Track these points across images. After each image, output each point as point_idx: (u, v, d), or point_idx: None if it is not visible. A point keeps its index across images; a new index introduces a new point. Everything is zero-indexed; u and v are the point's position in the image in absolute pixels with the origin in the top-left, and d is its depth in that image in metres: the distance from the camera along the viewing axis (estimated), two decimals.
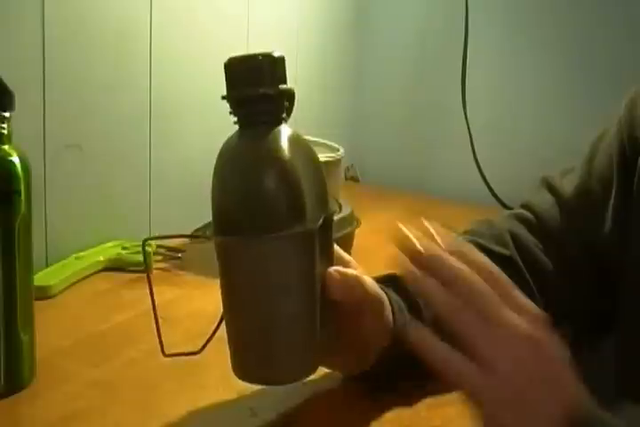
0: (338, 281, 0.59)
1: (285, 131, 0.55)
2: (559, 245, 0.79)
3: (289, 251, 0.54)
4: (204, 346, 0.59)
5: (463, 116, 1.33)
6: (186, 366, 0.71)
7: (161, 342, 0.57)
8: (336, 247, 0.62)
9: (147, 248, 0.96)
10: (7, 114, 0.62)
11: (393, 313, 0.67)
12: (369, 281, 0.64)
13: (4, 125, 0.62)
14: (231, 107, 0.55)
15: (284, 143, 0.54)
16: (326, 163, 1.01)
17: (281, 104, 0.55)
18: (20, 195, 0.63)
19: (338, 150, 1.08)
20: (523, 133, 1.40)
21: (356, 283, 0.61)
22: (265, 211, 0.53)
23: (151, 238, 0.61)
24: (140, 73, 1.02)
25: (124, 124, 1.01)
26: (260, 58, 0.54)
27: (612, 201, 0.76)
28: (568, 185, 0.81)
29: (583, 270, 0.78)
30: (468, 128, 1.34)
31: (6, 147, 0.62)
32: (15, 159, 0.63)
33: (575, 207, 0.80)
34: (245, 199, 0.54)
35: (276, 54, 0.55)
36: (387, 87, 1.53)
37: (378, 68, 1.54)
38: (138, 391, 0.67)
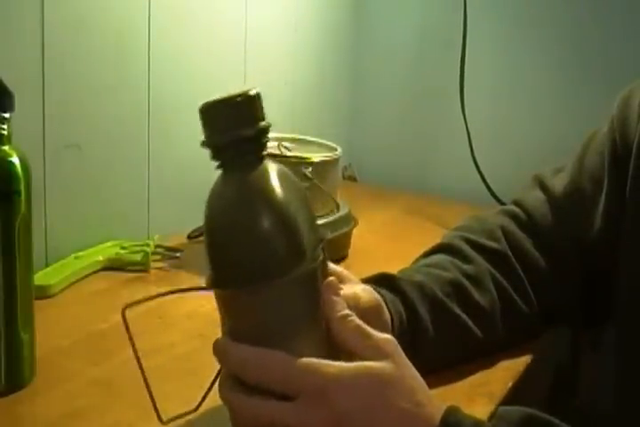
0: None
1: (271, 167, 0.53)
2: (549, 242, 0.80)
3: (294, 294, 0.52)
4: (200, 403, 0.58)
5: (461, 114, 1.34)
6: (185, 365, 0.71)
7: (156, 409, 0.55)
8: (334, 266, 0.60)
9: (145, 248, 0.97)
10: (7, 115, 0.62)
11: (391, 315, 0.67)
12: (364, 297, 0.63)
13: (4, 126, 0.62)
14: (212, 152, 0.54)
15: (275, 182, 0.52)
16: (324, 162, 1.02)
17: (263, 142, 0.53)
18: (19, 195, 0.63)
19: (335, 150, 1.09)
20: (521, 132, 1.41)
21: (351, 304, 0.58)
22: (269, 257, 0.51)
23: (131, 304, 0.59)
24: (139, 73, 1.03)
25: (123, 124, 1.01)
26: (238, 99, 0.52)
27: (602, 200, 0.77)
28: (559, 183, 0.82)
29: (573, 268, 0.79)
30: (467, 127, 1.34)
31: (6, 147, 0.63)
32: (15, 160, 0.63)
33: (565, 205, 0.80)
34: (246, 249, 0.51)
35: (252, 93, 0.52)
36: (384, 86, 1.54)
37: (376, 67, 1.54)
38: (137, 390, 0.67)
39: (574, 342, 1.02)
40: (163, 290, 0.63)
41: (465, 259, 0.77)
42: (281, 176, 0.53)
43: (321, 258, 0.53)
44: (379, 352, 0.51)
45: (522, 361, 0.77)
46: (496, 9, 1.39)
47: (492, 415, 0.56)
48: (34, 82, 0.88)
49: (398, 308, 0.69)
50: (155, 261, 0.98)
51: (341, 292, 0.56)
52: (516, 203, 0.84)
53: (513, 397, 0.71)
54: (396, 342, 0.53)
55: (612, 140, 0.77)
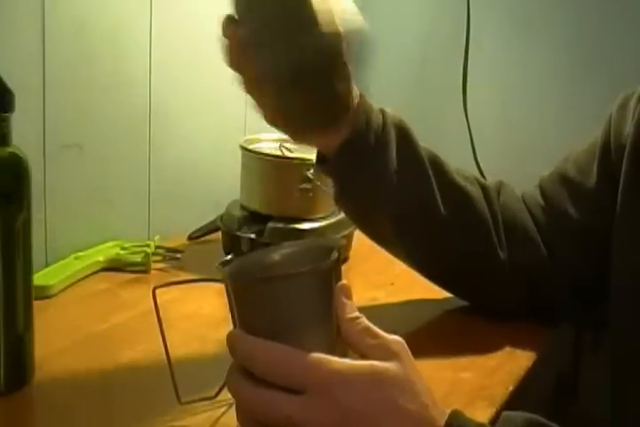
0: None
1: None
2: (538, 223, 0.82)
3: (308, 289, 0.52)
4: (219, 391, 0.58)
5: (464, 117, 1.33)
6: (185, 367, 0.71)
7: (176, 389, 0.56)
8: None
9: (146, 249, 0.97)
10: (7, 114, 0.62)
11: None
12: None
13: (4, 125, 0.62)
14: None
15: None
16: None
17: None
18: (19, 195, 0.63)
19: None
20: (525, 134, 1.40)
21: None
22: None
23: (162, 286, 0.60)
24: (140, 73, 1.02)
25: (123, 124, 1.01)
26: None
27: (589, 192, 0.79)
28: (548, 172, 0.86)
29: (562, 254, 0.80)
30: (469, 130, 1.34)
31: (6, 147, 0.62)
32: (15, 159, 0.63)
33: (550, 188, 0.83)
34: None
35: None
36: (387, 89, 1.53)
37: (377, 68, 1.54)
38: (137, 391, 0.67)
39: (577, 346, 1.02)
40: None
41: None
42: None
43: (336, 257, 0.53)
44: (385, 352, 0.51)
45: (523, 365, 0.77)
46: (500, 8, 1.38)
47: (495, 420, 0.56)
48: (34, 81, 0.87)
49: (375, 116, 0.76)
50: (155, 261, 0.98)
51: None
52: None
53: (514, 401, 0.71)
54: (405, 344, 0.53)
55: (606, 137, 0.78)
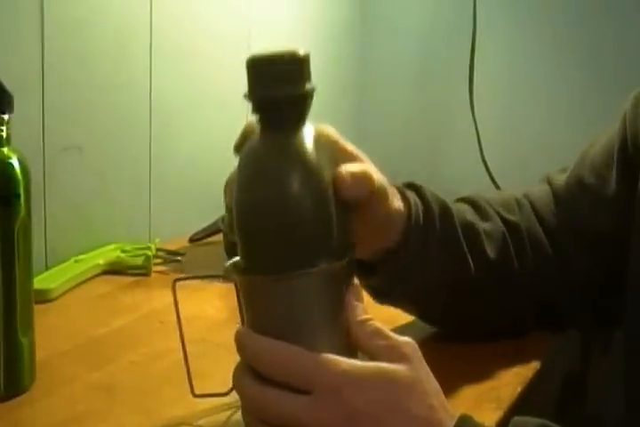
0: (349, 184, 0.55)
1: (309, 131, 0.53)
2: (550, 229, 0.80)
3: (320, 289, 0.51)
4: (232, 388, 0.58)
5: (470, 115, 1.33)
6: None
7: (191, 382, 0.56)
8: (342, 141, 0.62)
9: (146, 251, 0.97)
10: (6, 116, 0.62)
11: (409, 205, 0.69)
12: (376, 175, 0.63)
13: (3, 127, 0.62)
14: (255, 107, 0.53)
15: (311, 149, 0.52)
16: None
17: (308, 104, 0.54)
18: (19, 198, 0.62)
19: None
20: (531, 132, 1.40)
21: (365, 180, 0.59)
22: (304, 241, 0.50)
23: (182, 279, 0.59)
24: (141, 73, 1.02)
25: (124, 126, 1.01)
26: (288, 57, 0.52)
27: (607, 196, 0.77)
28: (563, 176, 0.83)
29: (577, 259, 0.78)
30: (476, 127, 1.33)
31: (5, 149, 0.62)
32: (14, 162, 0.62)
33: (566, 195, 0.81)
34: (284, 230, 0.50)
35: (301, 52, 0.52)
36: (392, 86, 1.53)
37: (382, 67, 1.53)
38: (138, 395, 0.67)
39: (585, 347, 1.01)
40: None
41: (485, 216, 0.78)
42: (318, 143, 0.53)
43: (350, 259, 0.53)
44: (396, 354, 0.51)
45: (531, 366, 0.76)
46: (507, 7, 1.38)
47: (503, 423, 0.55)
48: (33, 83, 0.87)
49: (418, 205, 0.70)
50: (156, 264, 0.98)
51: (356, 169, 0.56)
52: (523, 194, 0.85)
53: (521, 402, 0.70)
54: (416, 346, 0.52)
55: (622, 138, 0.76)
